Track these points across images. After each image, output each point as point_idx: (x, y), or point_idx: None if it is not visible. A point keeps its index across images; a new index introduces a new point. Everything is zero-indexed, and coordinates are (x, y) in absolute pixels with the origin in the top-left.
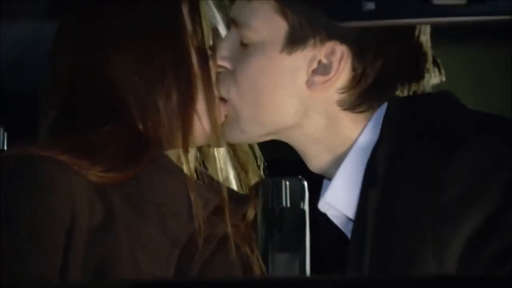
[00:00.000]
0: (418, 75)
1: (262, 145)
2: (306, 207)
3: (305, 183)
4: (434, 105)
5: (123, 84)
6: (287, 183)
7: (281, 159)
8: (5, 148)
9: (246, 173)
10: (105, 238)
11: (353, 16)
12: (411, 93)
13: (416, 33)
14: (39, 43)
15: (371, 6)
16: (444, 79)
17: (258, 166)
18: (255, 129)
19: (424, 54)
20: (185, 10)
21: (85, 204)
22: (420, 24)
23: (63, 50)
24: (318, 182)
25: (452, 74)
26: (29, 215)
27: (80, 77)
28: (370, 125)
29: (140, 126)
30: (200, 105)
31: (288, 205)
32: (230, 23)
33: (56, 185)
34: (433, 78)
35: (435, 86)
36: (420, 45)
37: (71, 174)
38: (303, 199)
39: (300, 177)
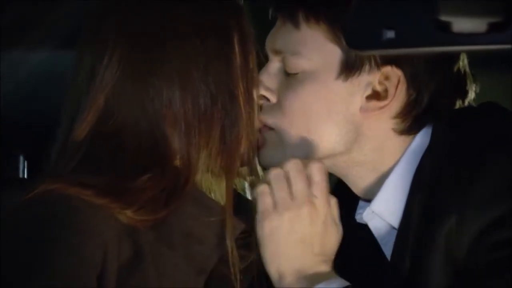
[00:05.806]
0: (465, 94)
1: None
2: None
3: None
4: (486, 115)
5: (169, 120)
6: None
7: None
8: (25, 176)
9: None
10: (134, 275)
11: (373, 44)
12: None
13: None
14: (61, 72)
15: (391, 34)
16: (478, 90)
17: None
18: (301, 155)
19: (468, 73)
20: (237, 44)
21: (116, 245)
22: (441, 52)
23: (102, 79)
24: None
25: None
26: (63, 260)
27: (125, 111)
28: (419, 137)
29: (178, 164)
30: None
31: None
32: (270, 53)
33: (91, 230)
34: (472, 93)
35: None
36: (464, 64)
37: (104, 217)
38: None
39: None
